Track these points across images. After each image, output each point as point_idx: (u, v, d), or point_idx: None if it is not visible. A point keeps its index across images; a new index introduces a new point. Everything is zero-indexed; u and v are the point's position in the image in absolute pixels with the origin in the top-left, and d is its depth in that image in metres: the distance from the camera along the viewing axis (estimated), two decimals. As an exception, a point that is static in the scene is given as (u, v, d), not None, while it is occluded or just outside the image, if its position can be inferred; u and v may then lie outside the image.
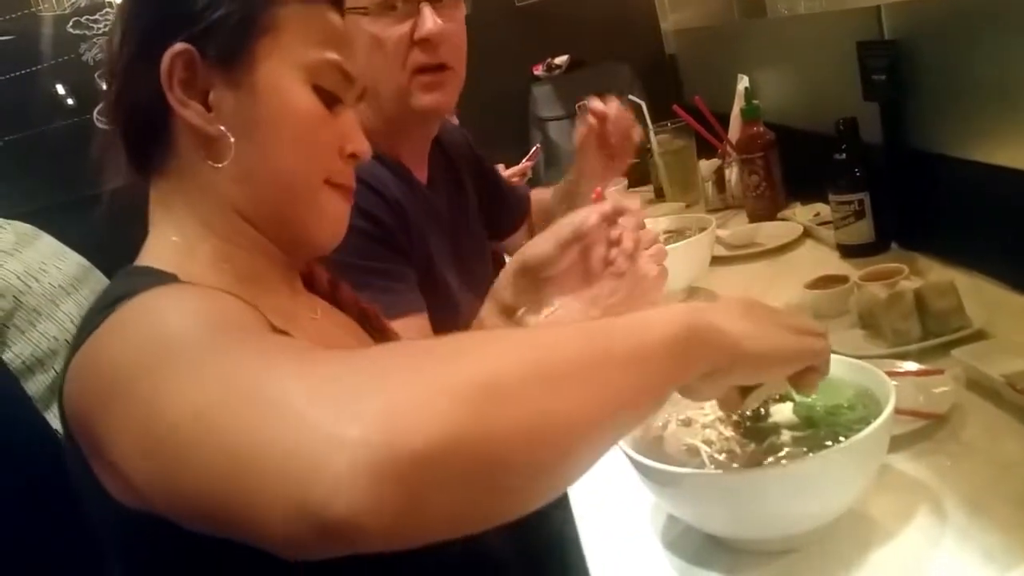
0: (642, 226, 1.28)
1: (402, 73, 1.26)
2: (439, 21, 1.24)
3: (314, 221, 0.84)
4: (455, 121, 2.30)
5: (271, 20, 0.78)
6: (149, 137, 0.80)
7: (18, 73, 2.65)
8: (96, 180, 0.85)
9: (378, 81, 1.27)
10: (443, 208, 1.41)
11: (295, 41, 0.79)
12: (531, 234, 1.74)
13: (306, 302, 0.91)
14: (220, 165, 0.78)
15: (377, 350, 0.54)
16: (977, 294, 1.14)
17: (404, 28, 1.24)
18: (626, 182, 2.16)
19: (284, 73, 0.79)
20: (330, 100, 0.82)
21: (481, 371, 0.49)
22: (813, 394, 0.74)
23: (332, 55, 0.81)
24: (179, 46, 0.76)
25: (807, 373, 0.70)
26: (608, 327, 0.59)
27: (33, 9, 2.66)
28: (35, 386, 1.56)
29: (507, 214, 1.69)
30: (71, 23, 2.67)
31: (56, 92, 2.69)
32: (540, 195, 1.79)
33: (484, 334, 0.55)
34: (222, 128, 0.77)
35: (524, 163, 2.35)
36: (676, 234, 1.53)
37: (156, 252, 0.80)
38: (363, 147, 0.85)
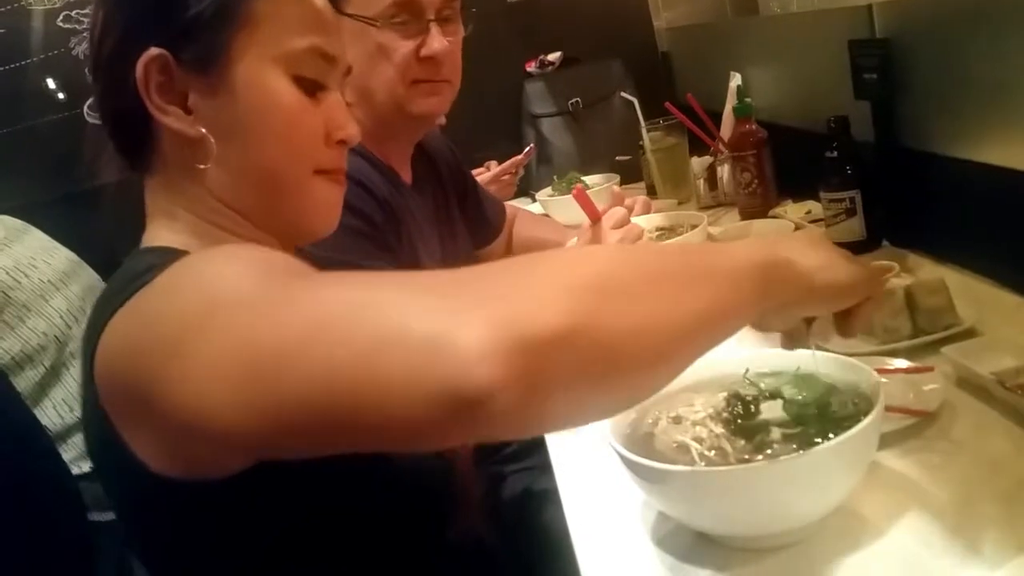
0: (627, 220, 1.28)
1: (401, 84, 1.28)
2: (445, 41, 1.26)
3: (306, 211, 0.84)
4: (442, 121, 2.29)
5: (245, 15, 0.77)
6: (135, 138, 0.80)
7: (7, 67, 2.63)
8: (91, 176, 0.85)
9: (376, 86, 1.29)
10: (429, 210, 1.42)
11: (271, 33, 0.78)
12: (509, 248, 1.77)
13: None
14: (205, 166, 0.78)
15: (485, 266, 0.56)
16: (967, 292, 1.14)
17: (411, 44, 1.27)
18: (618, 178, 2.16)
19: (262, 69, 0.78)
20: (313, 87, 0.81)
21: (595, 271, 0.54)
22: (855, 334, 0.77)
23: (312, 40, 0.80)
24: (152, 52, 0.75)
25: (863, 305, 0.74)
26: (701, 248, 0.66)
27: (22, 3, 2.64)
28: (24, 382, 1.55)
29: (484, 227, 1.71)
30: (61, 17, 2.65)
31: (46, 86, 2.67)
32: (530, 225, 1.81)
33: (589, 247, 0.61)
34: (203, 130, 0.77)
35: (517, 158, 2.35)
36: (668, 231, 1.53)
37: (160, 238, 0.80)
38: (351, 131, 0.84)
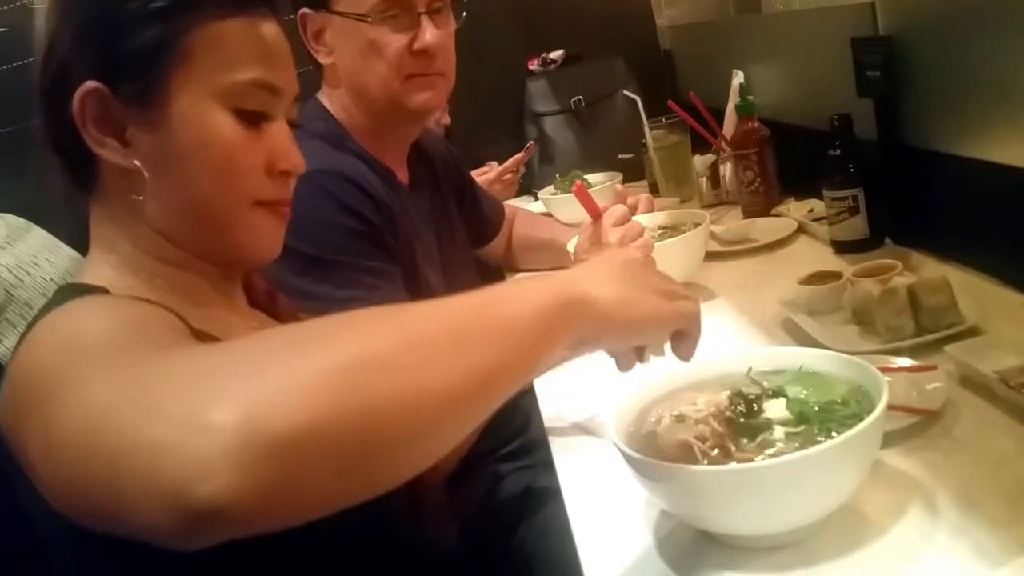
0: (628, 218, 1.28)
1: (396, 79, 1.28)
2: (437, 32, 1.26)
3: (244, 242, 0.83)
4: (446, 120, 2.30)
5: (183, 50, 0.76)
6: (77, 162, 0.79)
7: (10, 66, 2.63)
8: (42, 189, 0.84)
9: (370, 82, 1.29)
10: (425, 210, 1.42)
11: (211, 68, 0.77)
12: (509, 247, 1.78)
13: (244, 313, 0.90)
14: (140, 197, 0.78)
15: (259, 337, 0.56)
16: (970, 290, 1.14)
17: (403, 38, 1.28)
18: (621, 176, 2.16)
19: (200, 103, 0.77)
20: (256, 118, 0.80)
21: (348, 351, 0.51)
22: (689, 359, 0.78)
23: (255, 74, 0.79)
24: (88, 85, 0.75)
25: (680, 337, 0.75)
26: (479, 300, 0.62)
27: (24, 1, 2.64)
28: (27, 380, 1.54)
29: (483, 226, 1.71)
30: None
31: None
32: (529, 224, 1.82)
33: (359, 313, 0.57)
34: (137, 163, 0.76)
35: (517, 156, 2.35)
36: (670, 229, 1.53)
37: (94, 269, 0.80)
38: (295, 162, 0.83)
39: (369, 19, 1.26)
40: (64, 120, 0.76)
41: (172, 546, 0.49)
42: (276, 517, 0.48)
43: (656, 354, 0.77)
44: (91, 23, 0.77)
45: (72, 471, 0.55)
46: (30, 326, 0.71)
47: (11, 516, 0.77)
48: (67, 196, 0.83)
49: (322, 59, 1.33)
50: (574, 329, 0.65)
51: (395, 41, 1.27)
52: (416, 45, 1.27)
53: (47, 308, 0.73)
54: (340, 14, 1.27)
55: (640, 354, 0.77)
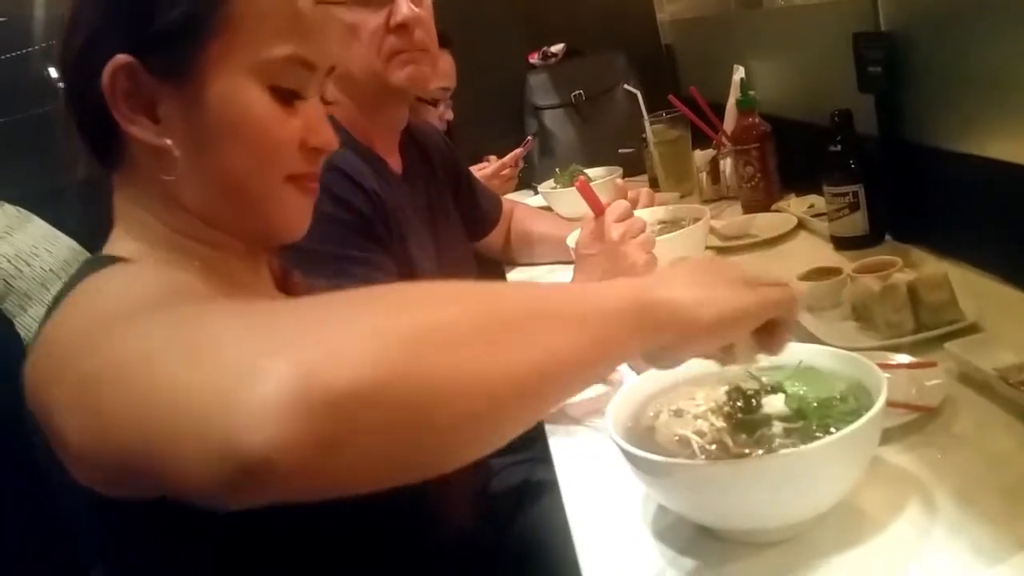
0: (630, 214, 1.28)
1: (378, 59, 1.28)
2: (413, 8, 1.27)
3: (275, 218, 0.82)
4: (449, 116, 2.30)
5: (219, 24, 0.74)
6: (103, 138, 0.77)
7: (9, 55, 2.63)
8: (67, 168, 0.82)
9: (354, 67, 1.30)
10: (420, 198, 1.42)
11: (248, 42, 0.75)
12: (508, 240, 1.77)
13: (273, 294, 0.89)
14: (170, 177, 0.76)
15: (325, 296, 0.52)
16: (971, 287, 1.14)
17: (380, 17, 1.28)
18: (621, 171, 2.15)
19: (235, 80, 0.75)
20: (290, 96, 0.78)
21: (419, 319, 0.49)
22: (776, 353, 0.72)
23: (291, 49, 0.77)
24: (120, 59, 0.72)
25: (773, 328, 0.69)
26: (559, 291, 0.61)
27: (20, -9, 2.64)
28: (26, 371, 1.54)
29: (480, 219, 1.71)
30: (64, 3, 2.65)
31: (48, 75, 2.66)
32: (528, 218, 1.83)
33: (435, 285, 0.54)
34: (168, 142, 0.75)
35: (516, 151, 2.35)
36: (670, 224, 1.53)
37: (120, 244, 0.79)
38: (327, 138, 0.82)
39: (345, 3, 1.26)
40: (91, 97, 0.74)
41: (214, 503, 0.46)
42: (321, 480, 0.46)
43: (746, 356, 0.72)
44: None
45: (102, 420, 0.51)
46: (56, 300, 0.69)
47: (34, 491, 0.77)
48: (88, 178, 0.80)
49: None
50: (655, 333, 0.61)
51: (372, 20, 1.28)
52: (393, 20, 1.28)
53: (74, 281, 0.70)
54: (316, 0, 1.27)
55: (730, 355, 0.71)
